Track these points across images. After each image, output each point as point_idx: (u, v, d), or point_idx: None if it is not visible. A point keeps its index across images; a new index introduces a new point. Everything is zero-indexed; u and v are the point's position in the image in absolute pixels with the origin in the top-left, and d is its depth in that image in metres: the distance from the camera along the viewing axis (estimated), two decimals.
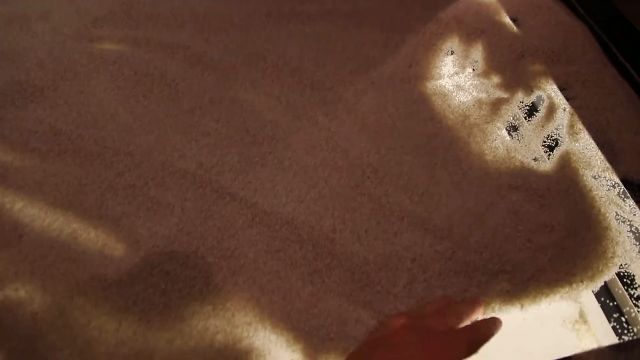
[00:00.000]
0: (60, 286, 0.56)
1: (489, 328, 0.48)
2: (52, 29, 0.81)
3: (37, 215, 0.61)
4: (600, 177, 0.64)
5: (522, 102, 0.72)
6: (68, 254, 0.58)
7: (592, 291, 0.57)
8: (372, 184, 0.64)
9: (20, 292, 0.55)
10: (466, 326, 0.49)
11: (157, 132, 0.68)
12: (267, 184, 0.63)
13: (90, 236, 0.59)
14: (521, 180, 0.64)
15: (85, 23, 0.82)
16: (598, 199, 0.61)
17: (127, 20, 0.82)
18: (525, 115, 0.71)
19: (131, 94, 0.73)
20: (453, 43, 0.79)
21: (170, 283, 0.56)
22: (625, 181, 0.64)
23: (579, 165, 0.65)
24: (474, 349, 0.46)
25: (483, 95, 0.73)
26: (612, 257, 0.57)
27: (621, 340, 0.54)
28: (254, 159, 0.66)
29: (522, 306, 0.55)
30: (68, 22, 0.82)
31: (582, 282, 0.56)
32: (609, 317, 0.56)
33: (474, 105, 0.71)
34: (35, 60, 0.76)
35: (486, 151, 0.67)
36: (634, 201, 0.62)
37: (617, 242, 0.58)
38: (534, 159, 0.66)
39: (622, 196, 0.63)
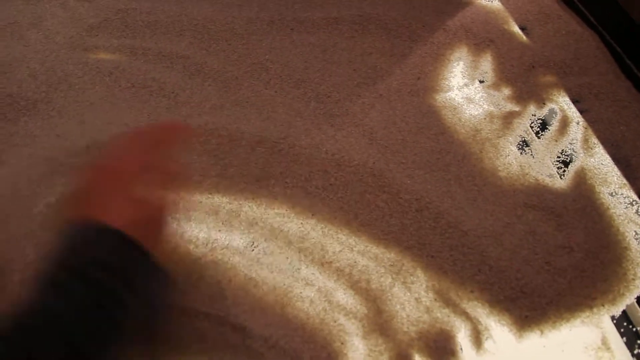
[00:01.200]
0: None
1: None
2: (45, 37, 0.78)
3: None
4: (617, 194, 0.62)
5: (535, 116, 0.70)
6: None
7: (614, 316, 0.55)
8: (383, 202, 0.61)
9: None
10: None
11: None
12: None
13: None
14: (537, 198, 0.61)
15: (80, 31, 0.79)
16: (616, 218, 0.59)
17: (123, 29, 0.79)
18: (538, 129, 0.69)
19: (128, 107, 0.69)
20: (461, 53, 0.77)
21: None
22: None
23: (595, 182, 0.63)
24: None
25: (494, 109, 0.71)
26: (633, 279, 0.55)
27: None
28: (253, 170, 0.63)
29: (542, 332, 0.53)
30: (61, 31, 0.79)
31: (603, 306, 0.54)
32: (631, 343, 0.54)
33: (485, 118, 0.69)
34: (28, 71, 0.73)
35: (499, 167, 0.64)
36: None
37: (637, 263, 0.56)
38: (549, 176, 0.64)
39: None
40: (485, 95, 0.72)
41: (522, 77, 0.73)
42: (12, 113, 0.68)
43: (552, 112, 0.71)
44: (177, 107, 0.70)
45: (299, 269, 0.57)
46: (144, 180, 0.45)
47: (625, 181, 0.63)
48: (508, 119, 0.69)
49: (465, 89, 0.73)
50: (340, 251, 0.58)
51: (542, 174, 0.64)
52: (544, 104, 0.71)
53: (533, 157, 0.66)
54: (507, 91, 0.72)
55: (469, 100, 0.72)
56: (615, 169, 0.64)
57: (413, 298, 0.55)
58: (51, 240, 0.40)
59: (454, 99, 0.72)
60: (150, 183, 0.45)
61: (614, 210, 0.60)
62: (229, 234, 0.59)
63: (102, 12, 0.82)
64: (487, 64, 0.76)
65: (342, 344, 0.52)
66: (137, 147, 0.48)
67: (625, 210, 0.60)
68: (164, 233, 0.45)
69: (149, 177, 0.45)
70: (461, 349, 0.52)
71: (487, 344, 0.52)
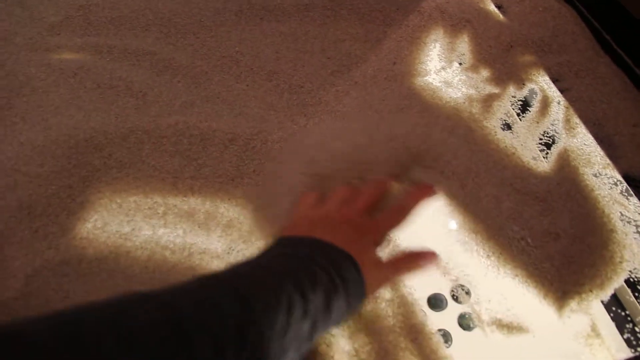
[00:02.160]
0: None
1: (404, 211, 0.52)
2: (3, 39, 0.74)
3: None
4: (601, 175, 0.61)
5: (515, 97, 0.68)
6: None
7: (602, 301, 0.54)
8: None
9: None
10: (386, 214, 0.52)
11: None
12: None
13: None
14: (521, 182, 0.60)
15: (40, 31, 0.75)
16: (601, 199, 0.58)
17: (86, 27, 0.76)
18: (519, 110, 0.68)
19: (95, 109, 0.67)
20: (437, 35, 0.75)
21: None
22: (627, 178, 0.60)
23: (579, 164, 0.61)
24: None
25: (473, 92, 0.69)
26: (620, 262, 0.54)
27: (637, 353, 0.51)
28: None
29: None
30: (20, 31, 0.75)
31: (591, 291, 0.52)
32: (621, 328, 0.53)
33: (464, 102, 0.67)
34: None
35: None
36: (638, 199, 0.59)
37: (624, 246, 0.55)
38: (533, 159, 0.63)
39: (626, 194, 0.59)
40: (464, 78, 0.70)
41: (501, 58, 0.72)
42: None
43: (532, 92, 0.69)
44: (146, 106, 0.67)
45: None
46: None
47: (608, 161, 0.62)
48: (488, 101, 0.68)
49: (443, 73, 0.71)
50: None
51: (525, 157, 0.63)
52: (524, 84, 0.69)
53: (516, 139, 0.65)
54: (485, 73, 0.71)
55: (447, 84, 0.70)
56: (598, 148, 0.63)
57: (398, 293, 0.53)
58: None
59: (432, 83, 0.70)
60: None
61: (598, 192, 0.59)
62: (206, 238, 0.57)
63: (62, 10, 0.78)
64: (464, 45, 0.74)
65: (327, 346, 0.50)
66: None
67: (609, 191, 0.59)
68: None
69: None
70: (450, 340, 0.52)
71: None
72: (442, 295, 0.55)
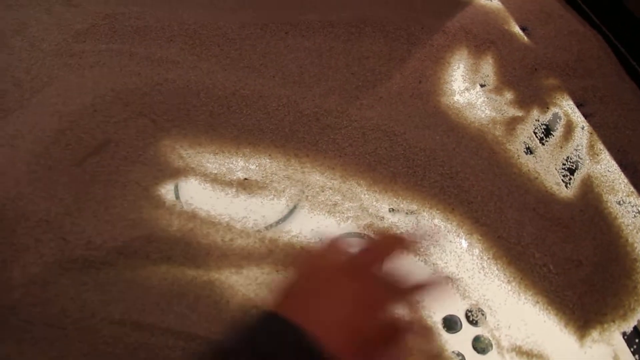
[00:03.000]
0: None
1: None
2: (30, 45, 0.75)
3: None
4: (625, 203, 0.60)
5: (538, 121, 0.68)
6: None
7: (624, 332, 0.53)
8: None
9: None
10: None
11: None
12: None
13: None
14: (544, 207, 0.60)
15: (66, 38, 0.76)
16: (625, 228, 0.57)
17: (111, 35, 0.76)
18: (542, 135, 0.67)
19: None
20: (461, 56, 0.74)
21: None
22: None
23: (602, 191, 0.61)
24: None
25: (496, 114, 0.68)
26: None
27: None
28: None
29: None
30: (47, 37, 0.76)
31: (613, 322, 0.52)
32: None
33: (487, 124, 0.67)
34: (12, 80, 0.70)
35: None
36: None
37: None
38: (555, 184, 0.62)
39: None
40: (487, 100, 0.70)
41: (525, 81, 0.71)
42: None
43: (556, 116, 0.69)
44: None
45: None
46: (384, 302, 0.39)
47: (632, 189, 0.61)
48: (511, 124, 0.67)
49: (467, 94, 0.71)
50: None
51: (548, 182, 0.62)
52: (548, 108, 0.69)
53: (539, 164, 0.64)
54: (509, 95, 0.70)
55: (471, 105, 0.69)
56: (622, 175, 0.62)
57: (417, 316, 0.53)
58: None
59: (457, 103, 0.69)
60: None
61: (622, 220, 0.58)
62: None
63: (89, 18, 0.79)
64: (488, 66, 0.74)
65: None
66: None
67: (633, 219, 0.58)
68: None
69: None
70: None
71: None
72: (457, 317, 0.54)
